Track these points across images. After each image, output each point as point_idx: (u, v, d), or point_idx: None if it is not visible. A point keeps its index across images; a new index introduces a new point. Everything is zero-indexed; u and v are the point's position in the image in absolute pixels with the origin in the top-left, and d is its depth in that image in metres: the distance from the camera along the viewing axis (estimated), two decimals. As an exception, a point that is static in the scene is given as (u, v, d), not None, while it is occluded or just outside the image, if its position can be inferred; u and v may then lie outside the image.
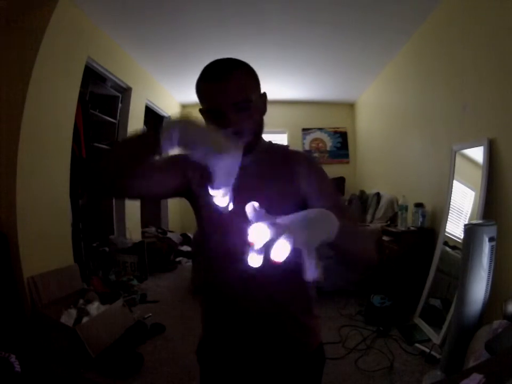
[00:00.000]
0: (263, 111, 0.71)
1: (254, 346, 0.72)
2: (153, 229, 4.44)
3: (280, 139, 5.29)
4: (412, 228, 2.69)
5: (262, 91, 0.71)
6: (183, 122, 0.51)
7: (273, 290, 0.69)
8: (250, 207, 0.43)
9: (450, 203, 2.28)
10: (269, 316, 0.70)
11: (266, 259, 0.38)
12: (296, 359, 0.73)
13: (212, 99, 0.64)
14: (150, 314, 2.56)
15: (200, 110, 0.69)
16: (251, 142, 0.66)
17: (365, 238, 0.66)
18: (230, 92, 0.62)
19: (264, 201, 0.67)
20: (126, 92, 3.63)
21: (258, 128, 0.69)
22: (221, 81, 0.62)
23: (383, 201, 3.55)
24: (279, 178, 0.70)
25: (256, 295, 0.69)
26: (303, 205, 0.67)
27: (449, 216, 2.29)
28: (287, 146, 0.80)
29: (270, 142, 0.77)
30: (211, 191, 0.51)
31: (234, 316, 0.72)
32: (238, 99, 0.62)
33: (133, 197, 0.89)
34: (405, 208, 2.80)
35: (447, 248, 2.26)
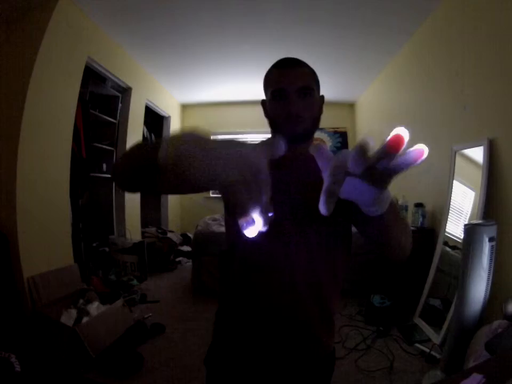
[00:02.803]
0: (320, 110, 0.76)
1: (270, 356, 0.70)
2: (153, 229, 4.44)
3: (280, 139, 5.30)
4: (412, 228, 2.69)
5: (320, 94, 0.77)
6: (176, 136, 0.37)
7: (301, 307, 0.69)
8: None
9: (450, 203, 2.28)
10: (291, 331, 0.69)
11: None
12: (311, 370, 0.72)
13: (279, 81, 0.69)
14: (150, 314, 2.56)
15: (263, 101, 0.76)
16: (307, 129, 0.70)
17: (407, 229, 0.63)
18: (296, 76, 0.69)
19: (303, 204, 0.67)
20: (126, 91, 3.63)
21: (315, 120, 0.73)
22: (290, 67, 0.70)
23: (383, 201, 3.55)
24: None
25: (284, 310, 0.68)
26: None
27: (449, 216, 2.29)
28: None
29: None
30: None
31: (256, 326, 0.70)
32: (302, 84, 0.69)
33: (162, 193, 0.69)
34: (405, 208, 2.80)
35: (447, 248, 2.26)
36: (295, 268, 0.67)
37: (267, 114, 0.75)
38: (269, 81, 0.72)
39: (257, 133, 5.19)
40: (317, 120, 0.74)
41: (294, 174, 0.70)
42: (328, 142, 5.40)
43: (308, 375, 0.71)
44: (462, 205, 2.23)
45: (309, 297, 0.69)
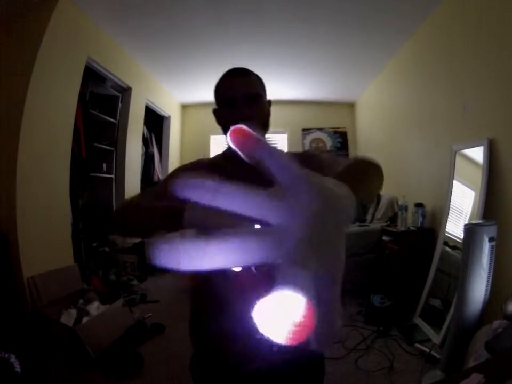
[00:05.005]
0: (269, 114, 0.80)
1: (254, 355, 0.70)
2: (153, 229, 4.43)
3: (281, 139, 5.31)
4: (412, 228, 2.69)
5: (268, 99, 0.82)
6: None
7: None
8: None
9: (450, 203, 2.28)
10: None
11: None
12: (297, 363, 0.72)
13: (228, 90, 0.75)
14: (150, 314, 2.56)
15: (214, 110, 0.81)
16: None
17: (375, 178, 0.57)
18: (244, 85, 0.74)
19: None
20: (126, 91, 3.63)
21: (264, 124, 0.77)
22: (237, 76, 0.76)
23: (383, 201, 3.55)
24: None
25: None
26: None
27: (449, 216, 2.29)
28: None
29: None
30: None
31: (230, 321, 0.71)
32: (249, 92, 0.74)
33: None
34: (405, 208, 2.80)
35: (447, 248, 2.26)
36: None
37: (219, 122, 0.80)
38: (219, 91, 0.78)
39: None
40: (266, 123, 0.78)
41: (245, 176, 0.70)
42: (328, 142, 5.40)
43: (293, 368, 0.71)
44: (462, 205, 2.23)
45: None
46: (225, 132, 0.78)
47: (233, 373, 0.72)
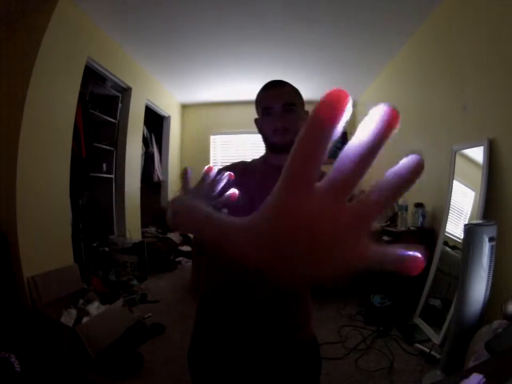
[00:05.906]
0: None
1: (251, 349, 0.72)
2: (153, 229, 4.44)
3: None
4: (412, 228, 2.69)
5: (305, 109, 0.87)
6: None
7: (277, 298, 0.72)
8: None
9: (450, 203, 2.28)
10: (269, 320, 0.71)
11: None
12: (292, 358, 0.73)
13: (266, 101, 0.81)
14: (150, 314, 2.55)
15: (256, 120, 0.87)
16: (293, 140, 0.77)
17: None
18: (280, 95, 0.80)
19: None
20: (126, 91, 3.63)
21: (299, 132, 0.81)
22: (275, 88, 0.82)
23: (383, 201, 3.55)
24: None
25: (260, 301, 0.70)
26: None
27: (449, 216, 2.29)
28: None
29: None
30: None
31: (234, 318, 0.73)
32: (285, 101, 0.79)
33: None
34: (405, 208, 2.80)
35: (447, 248, 2.26)
36: None
37: (259, 130, 0.87)
38: (258, 102, 0.84)
39: (255, 133, 5.20)
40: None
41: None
42: (328, 142, 5.40)
43: (291, 363, 0.74)
44: (462, 205, 2.23)
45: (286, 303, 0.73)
46: (264, 140, 0.86)
47: (231, 359, 0.74)
